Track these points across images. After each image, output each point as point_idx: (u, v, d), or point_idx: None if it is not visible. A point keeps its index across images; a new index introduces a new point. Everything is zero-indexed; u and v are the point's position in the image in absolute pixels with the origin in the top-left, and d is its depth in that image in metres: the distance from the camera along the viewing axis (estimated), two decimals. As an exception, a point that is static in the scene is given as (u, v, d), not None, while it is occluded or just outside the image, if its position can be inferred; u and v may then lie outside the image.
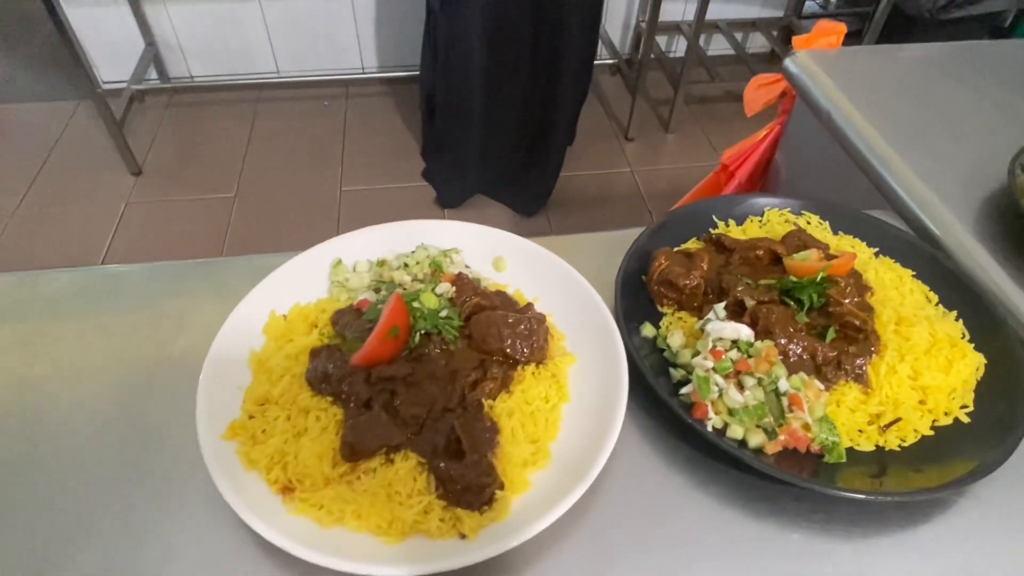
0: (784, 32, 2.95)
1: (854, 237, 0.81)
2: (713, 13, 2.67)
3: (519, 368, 0.66)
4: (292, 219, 2.30)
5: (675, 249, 0.77)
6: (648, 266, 0.75)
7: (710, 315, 0.67)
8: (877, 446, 0.62)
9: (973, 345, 0.68)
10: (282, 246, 0.75)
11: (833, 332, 0.67)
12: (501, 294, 0.72)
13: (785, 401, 0.61)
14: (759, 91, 1.25)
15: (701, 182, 1.44)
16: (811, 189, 1.18)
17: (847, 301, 0.67)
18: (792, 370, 0.63)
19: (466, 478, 0.55)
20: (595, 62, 2.26)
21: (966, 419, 0.63)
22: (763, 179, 1.31)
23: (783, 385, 0.61)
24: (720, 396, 0.61)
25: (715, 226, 0.83)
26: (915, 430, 0.62)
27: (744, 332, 0.65)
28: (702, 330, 0.67)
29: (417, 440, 0.59)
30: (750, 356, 0.63)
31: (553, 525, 0.54)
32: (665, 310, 0.73)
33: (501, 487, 0.56)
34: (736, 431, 0.60)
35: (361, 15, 2.66)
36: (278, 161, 2.50)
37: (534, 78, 2.11)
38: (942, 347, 0.66)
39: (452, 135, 2.26)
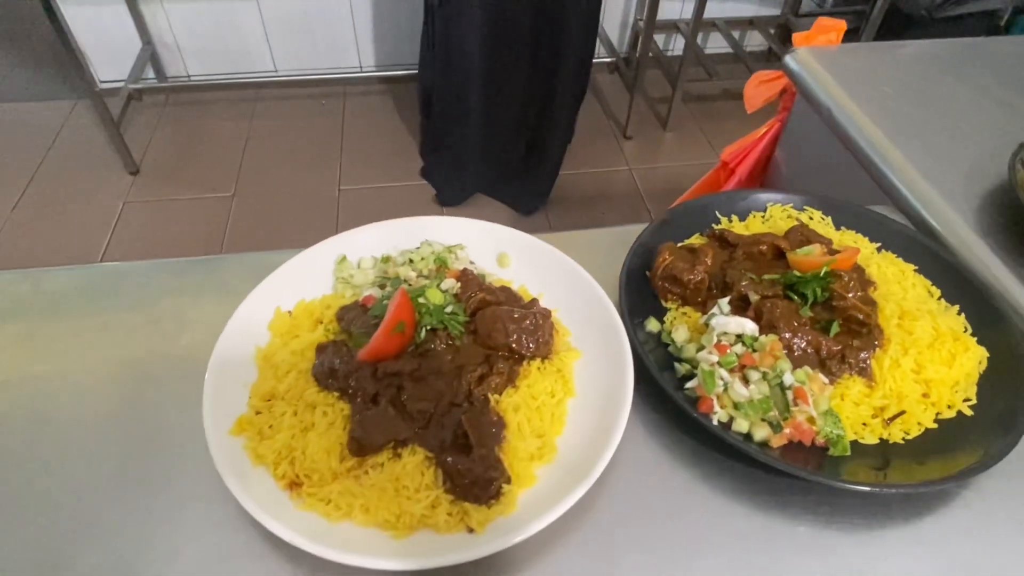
0: (781, 30, 2.95)
1: (856, 232, 0.81)
2: (711, 11, 2.68)
3: (525, 363, 0.66)
4: (290, 218, 2.29)
5: (679, 245, 0.78)
6: (652, 262, 0.75)
7: (714, 310, 0.67)
8: (881, 439, 0.62)
9: (976, 339, 0.69)
10: (281, 245, 0.75)
11: (837, 326, 0.67)
12: (506, 290, 0.73)
13: (790, 395, 0.61)
14: (759, 88, 1.25)
15: (701, 179, 1.44)
16: (811, 185, 1.19)
17: (851, 295, 0.67)
18: (796, 364, 0.64)
19: (473, 472, 0.55)
20: (593, 60, 2.26)
21: (969, 412, 0.64)
22: (763, 176, 1.32)
23: (788, 379, 0.62)
24: (725, 390, 0.62)
25: (718, 222, 0.83)
26: (919, 423, 0.63)
27: (749, 326, 0.65)
28: (707, 325, 0.67)
29: (424, 435, 0.59)
30: (755, 350, 0.64)
31: (559, 519, 0.54)
32: (669, 305, 0.74)
33: (508, 481, 0.57)
34: (741, 425, 0.61)
35: (359, 14, 2.66)
36: (276, 160, 2.50)
37: (533, 76, 2.12)
38: (945, 341, 0.66)
39: (451, 134, 2.26)
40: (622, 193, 2.46)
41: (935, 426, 0.63)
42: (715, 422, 0.61)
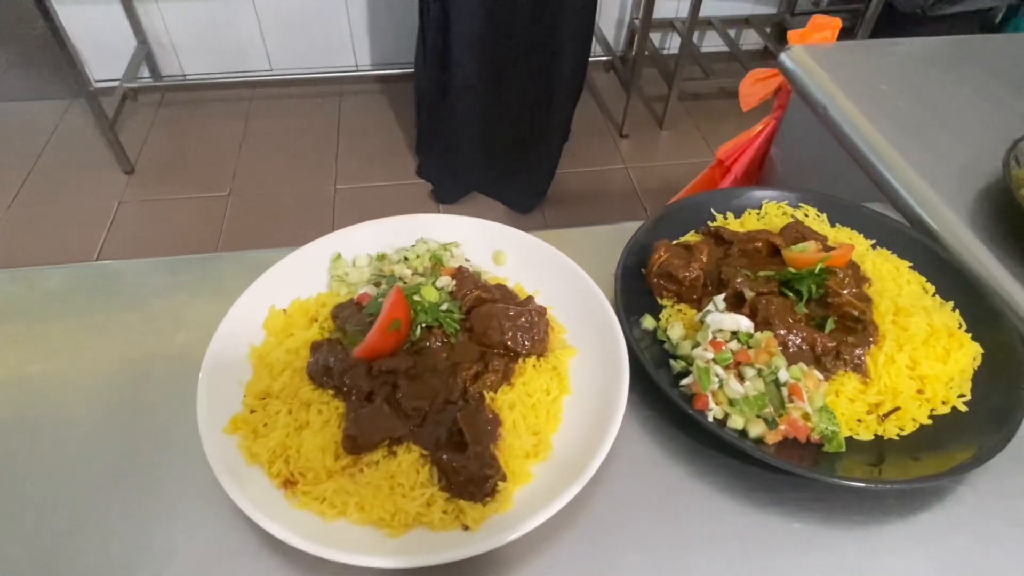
0: (777, 29, 2.96)
1: (851, 229, 0.81)
2: (706, 10, 2.68)
3: (520, 361, 0.66)
4: (286, 217, 2.29)
5: (674, 242, 0.78)
6: (647, 259, 0.75)
7: (710, 307, 0.68)
8: (876, 435, 0.62)
9: (970, 335, 0.69)
10: (277, 244, 0.75)
11: (832, 323, 0.67)
12: (502, 287, 0.72)
13: (785, 391, 0.61)
14: (755, 86, 1.25)
15: (697, 177, 1.44)
16: (807, 183, 1.18)
17: (845, 292, 0.68)
18: (791, 361, 0.64)
19: (468, 470, 0.55)
20: (589, 59, 2.26)
21: (964, 408, 0.64)
22: (759, 174, 1.32)
23: (783, 375, 0.62)
24: (720, 387, 0.62)
25: (713, 219, 0.83)
26: (913, 419, 0.63)
27: (744, 323, 0.65)
28: (702, 322, 0.67)
29: (419, 432, 0.59)
30: (750, 347, 0.64)
31: (555, 516, 0.54)
32: (665, 302, 0.74)
33: (503, 478, 0.56)
34: (736, 421, 0.61)
35: (355, 12, 2.66)
36: (272, 159, 2.50)
37: (529, 75, 2.11)
38: (940, 337, 0.67)
39: (446, 132, 2.26)
40: (618, 191, 2.46)
41: (930, 422, 0.63)
42: (710, 419, 0.61)
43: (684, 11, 2.78)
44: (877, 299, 0.70)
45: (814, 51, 1.16)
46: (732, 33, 2.97)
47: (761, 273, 0.71)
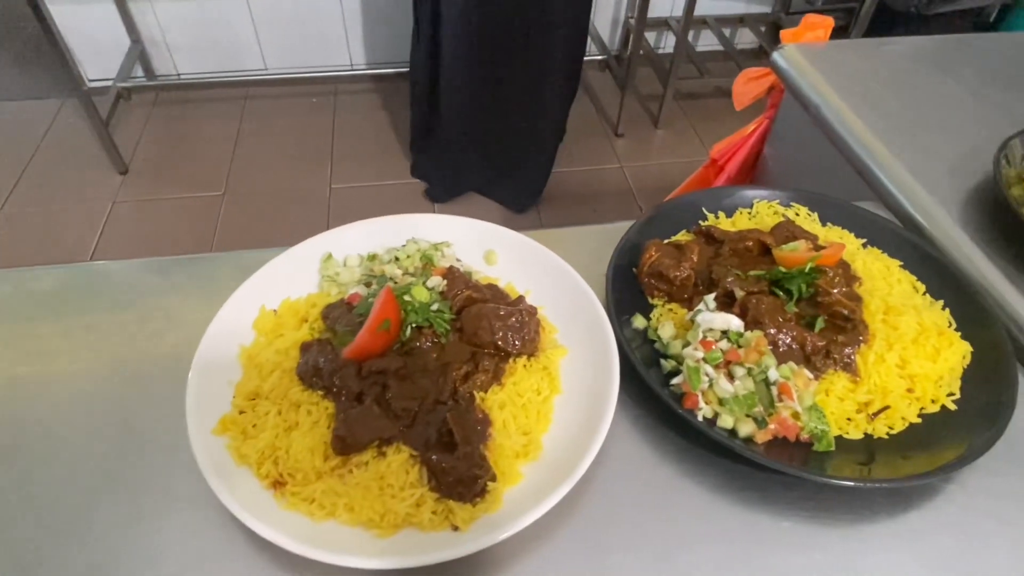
0: (772, 28, 2.96)
1: (842, 228, 0.81)
2: (702, 9, 2.68)
3: (511, 361, 0.66)
4: (281, 217, 2.29)
5: (665, 241, 0.78)
6: (638, 258, 0.75)
7: (700, 306, 0.68)
8: (866, 434, 0.62)
9: (960, 333, 0.69)
10: (271, 244, 0.75)
11: (822, 322, 0.67)
12: (492, 287, 0.72)
13: (775, 390, 0.61)
14: (748, 85, 1.25)
15: (690, 177, 1.45)
16: (799, 182, 1.18)
17: (836, 291, 0.68)
18: (781, 360, 0.64)
19: (458, 470, 0.55)
20: (584, 58, 2.26)
21: (953, 406, 0.64)
22: (752, 173, 1.32)
23: (773, 375, 0.62)
24: (710, 386, 0.62)
25: (705, 218, 0.83)
26: (903, 418, 0.63)
27: (734, 323, 0.65)
28: (692, 321, 0.67)
29: (409, 433, 0.59)
30: (740, 346, 0.64)
31: (545, 516, 0.54)
32: (656, 302, 0.74)
33: (493, 479, 0.56)
34: (726, 421, 0.61)
35: (349, 11, 2.65)
36: (267, 159, 2.49)
37: (524, 74, 2.11)
38: (929, 336, 0.67)
39: (441, 131, 2.25)
40: (614, 191, 2.46)
41: (919, 421, 0.63)
42: (700, 418, 0.61)
43: (679, 10, 2.79)
44: (867, 298, 0.70)
45: (807, 50, 1.16)
46: (727, 32, 2.97)
47: (752, 272, 0.71)
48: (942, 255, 0.78)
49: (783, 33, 1.20)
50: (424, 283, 0.69)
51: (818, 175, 1.13)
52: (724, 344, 0.64)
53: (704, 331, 0.65)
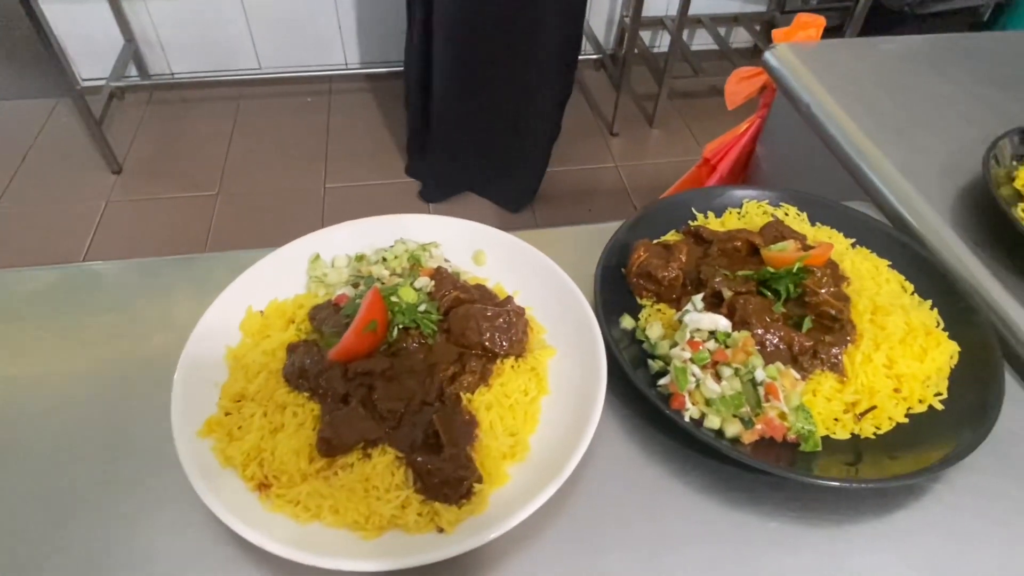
0: (767, 27, 2.96)
1: (831, 228, 0.81)
2: (696, 8, 2.68)
3: (498, 361, 0.65)
4: (276, 217, 2.28)
5: (654, 241, 0.77)
6: (627, 258, 0.75)
7: (688, 306, 0.67)
8: (853, 434, 0.62)
9: (948, 333, 0.69)
10: (266, 244, 0.74)
11: (809, 322, 0.67)
12: (481, 288, 0.72)
13: (761, 391, 0.61)
14: (740, 84, 1.25)
15: (683, 176, 1.45)
16: (791, 182, 1.19)
17: (823, 291, 0.68)
18: (769, 360, 0.64)
19: (444, 471, 0.55)
20: (579, 57, 2.26)
21: (940, 406, 0.64)
22: (744, 172, 1.32)
23: (760, 375, 0.62)
24: (697, 386, 0.62)
25: (694, 218, 0.83)
26: (890, 418, 0.63)
27: (721, 323, 0.65)
28: (680, 321, 0.67)
29: (395, 435, 0.59)
30: (727, 347, 0.64)
31: (532, 517, 0.54)
32: (644, 302, 0.74)
33: (479, 480, 0.56)
34: (713, 421, 0.61)
35: (344, 10, 2.65)
36: (261, 158, 2.48)
37: (518, 73, 2.11)
38: (917, 336, 0.67)
39: (436, 130, 2.25)
40: (609, 190, 2.46)
41: (906, 421, 0.63)
42: (687, 419, 0.61)
43: (674, 9, 2.78)
44: (855, 298, 0.70)
45: (798, 49, 1.16)
46: (722, 31, 2.97)
47: (740, 273, 0.71)
48: (931, 255, 0.78)
49: (775, 32, 1.20)
50: (412, 284, 0.69)
51: (810, 175, 1.13)
52: (712, 344, 0.64)
53: (692, 331, 0.65)
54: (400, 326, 0.65)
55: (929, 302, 0.73)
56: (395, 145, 2.55)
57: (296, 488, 0.55)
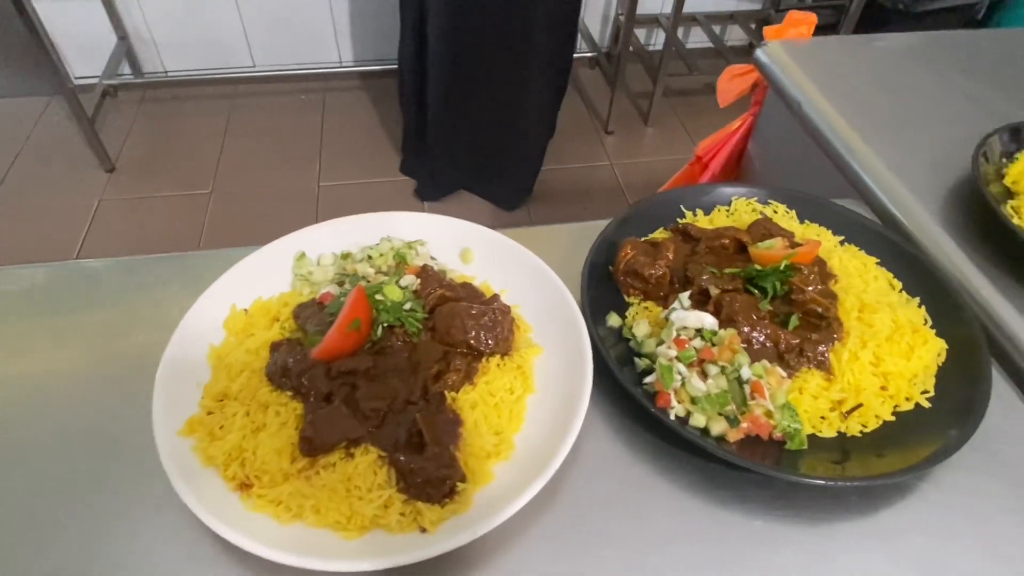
0: (762, 25, 2.95)
1: (820, 225, 0.81)
2: (691, 6, 2.68)
3: (484, 360, 0.65)
4: (270, 215, 2.27)
5: (642, 239, 0.77)
6: (615, 256, 0.74)
7: (675, 304, 0.67)
8: (839, 432, 0.62)
9: (935, 331, 0.69)
10: (259, 243, 0.74)
11: (796, 319, 0.67)
12: (467, 286, 0.72)
13: (747, 389, 0.61)
14: (732, 82, 1.25)
15: (676, 174, 1.44)
16: (783, 179, 1.19)
17: (810, 288, 0.67)
18: (755, 358, 0.64)
19: (426, 471, 0.54)
20: (574, 55, 2.25)
21: (927, 404, 0.64)
22: (737, 170, 1.32)
23: (745, 373, 0.61)
24: (683, 385, 0.61)
25: (683, 216, 0.83)
26: (876, 416, 0.63)
27: (708, 321, 0.65)
28: (667, 319, 0.66)
29: (378, 434, 0.58)
30: (714, 344, 0.63)
31: (518, 515, 0.53)
32: (631, 300, 0.73)
33: (463, 479, 0.56)
34: (699, 419, 0.60)
35: (338, 7, 2.64)
36: (255, 157, 2.47)
37: (513, 71, 2.10)
38: (904, 333, 0.67)
39: (430, 128, 2.24)
40: (604, 188, 2.46)
41: (893, 419, 0.63)
42: (672, 417, 0.60)
43: (669, 7, 2.78)
44: (843, 295, 0.70)
45: (790, 47, 1.15)
46: (717, 29, 2.97)
47: (727, 270, 0.71)
48: (920, 252, 0.78)
49: (766, 30, 1.20)
50: (397, 282, 0.68)
51: (801, 172, 1.13)
52: (698, 342, 0.64)
53: (678, 329, 0.64)
54: (385, 324, 0.64)
55: (917, 299, 0.72)
56: (390, 143, 2.54)
57: (278, 488, 0.55)
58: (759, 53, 1.16)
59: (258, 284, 0.71)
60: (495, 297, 0.70)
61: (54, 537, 0.56)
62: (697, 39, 3.00)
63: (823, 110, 1.03)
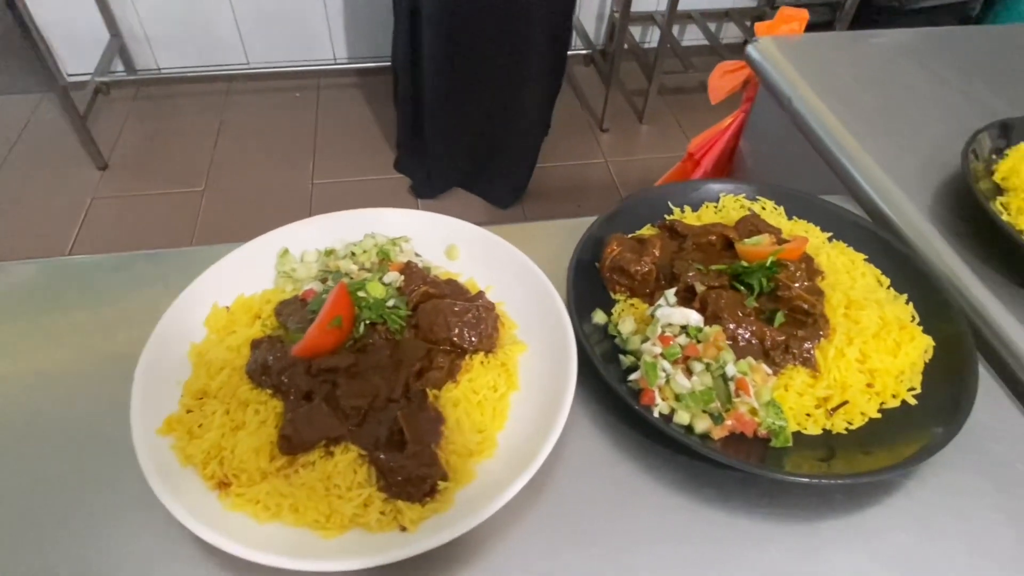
0: (757, 22, 2.95)
1: (808, 222, 0.81)
2: (686, 3, 2.67)
3: (467, 357, 0.64)
4: (263, 213, 2.26)
5: (629, 236, 0.77)
6: (601, 253, 0.74)
7: (660, 301, 0.67)
8: (824, 430, 0.62)
9: (923, 328, 0.68)
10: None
11: (782, 316, 0.66)
12: (452, 283, 0.71)
13: (732, 386, 0.61)
14: (723, 78, 1.25)
15: (668, 172, 1.44)
16: (775, 176, 1.18)
17: (796, 285, 0.67)
18: (741, 355, 0.63)
19: (407, 469, 0.54)
20: (569, 52, 2.25)
21: (913, 401, 0.64)
22: (729, 167, 1.31)
23: (730, 370, 0.61)
24: (667, 382, 0.61)
25: (671, 212, 0.82)
26: (862, 413, 0.62)
27: (693, 317, 0.64)
28: (652, 316, 0.66)
29: (359, 432, 0.58)
30: (699, 341, 0.63)
31: (501, 513, 0.53)
32: (617, 297, 0.73)
33: (444, 478, 0.55)
34: (683, 417, 0.60)
35: (331, 4, 2.62)
36: (248, 154, 2.46)
37: (507, 69, 2.09)
38: (891, 330, 0.66)
39: (424, 126, 2.23)
40: (598, 186, 2.45)
41: (879, 416, 0.63)
42: (656, 414, 0.60)
43: (664, 4, 2.76)
44: (829, 292, 0.69)
45: (782, 43, 1.15)
46: (712, 27, 2.96)
47: (713, 267, 0.70)
48: (908, 249, 0.77)
49: (757, 26, 1.19)
50: (380, 279, 0.68)
51: (792, 169, 1.12)
52: (683, 339, 0.63)
53: (663, 326, 0.64)
54: (367, 321, 0.64)
55: (904, 296, 0.72)
56: (384, 141, 2.53)
57: (256, 487, 0.54)
58: (750, 49, 1.15)
59: (241, 281, 0.71)
60: (480, 294, 0.69)
61: (30, 535, 0.55)
62: (692, 36, 2.99)
63: (814, 106, 1.03)
